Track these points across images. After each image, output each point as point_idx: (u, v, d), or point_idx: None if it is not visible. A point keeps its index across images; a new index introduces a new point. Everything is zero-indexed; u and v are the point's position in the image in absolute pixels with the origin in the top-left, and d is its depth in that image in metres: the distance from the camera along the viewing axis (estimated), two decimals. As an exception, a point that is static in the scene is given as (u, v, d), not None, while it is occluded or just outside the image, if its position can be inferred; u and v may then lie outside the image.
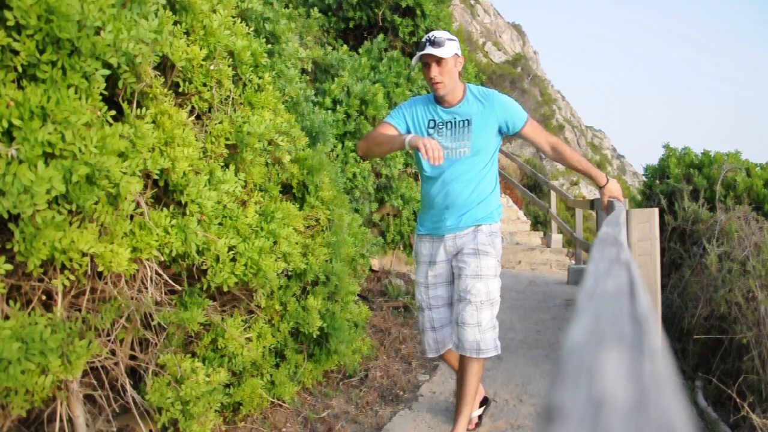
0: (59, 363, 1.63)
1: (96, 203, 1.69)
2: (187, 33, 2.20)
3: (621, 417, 0.30)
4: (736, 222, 3.63)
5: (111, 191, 1.70)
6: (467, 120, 2.30)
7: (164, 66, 2.12)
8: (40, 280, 1.73)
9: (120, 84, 1.83)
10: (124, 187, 1.69)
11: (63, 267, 1.72)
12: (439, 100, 2.35)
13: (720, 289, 3.21)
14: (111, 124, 1.74)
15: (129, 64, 1.79)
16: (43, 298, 1.77)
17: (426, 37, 2.27)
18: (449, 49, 2.24)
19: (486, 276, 2.26)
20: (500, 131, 2.34)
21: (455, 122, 2.31)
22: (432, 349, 2.45)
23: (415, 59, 2.26)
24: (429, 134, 2.32)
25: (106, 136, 1.64)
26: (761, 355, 2.82)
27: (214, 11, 2.31)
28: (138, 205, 1.89)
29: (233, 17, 2.47)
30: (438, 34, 2.26)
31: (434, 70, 2.24)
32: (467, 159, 2.29)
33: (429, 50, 2.21)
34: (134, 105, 1.94)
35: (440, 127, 2.33)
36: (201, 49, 2.14)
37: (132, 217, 1.88)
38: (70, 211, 1.66)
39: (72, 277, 1.72)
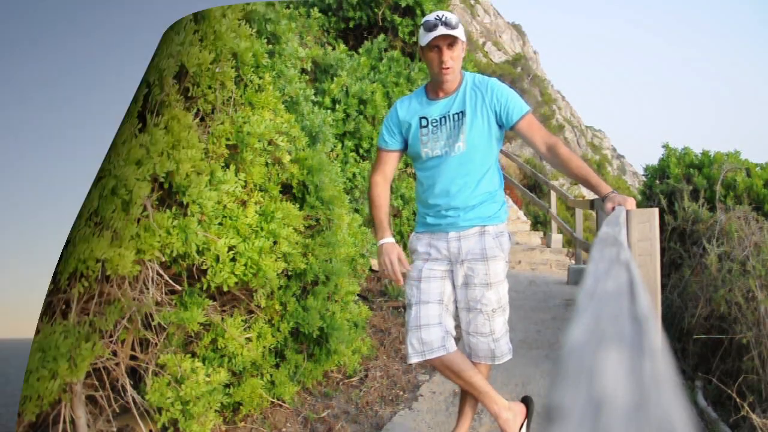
0: (66, 366, 1.64)
1: (113, 211, 1.70)
2: (201, 39, 2.20)
3: (621, 417, 0.30)
4: (736, 222, 3.63)
5: (125, 198, 1.71)
6: (461, 112, 2.13)
7: (179, 73, 2.12)
8: (64, 291, 1.75)
9: (150, 98, 1.84)
10: (136, 193, 1.70)
11: (81, 275, 1.73)
12: (430, 94, 2.19)
13: (720, 289, 3.21)
14: (136, 136, 1.75)
15: (159, 79, 1.80)
16: (63, 307, 1.79)
17: (434, 16, 2.05)
18: (462, 30, 2.07)
19: (495, 283, 2.16)
20: (498, 124, 2.16)
21: (448, 116, 2.14)
22: (416, 352, 2.12)
23: (425, 39, 2.05)
24: (422, 136, 2.18)
25: (131, 148, 1.65)
26: (761, 355, 2.82)
27: (224, 15, 2.31)
28: (145, 209, 1.89)
29: (239, 20, 2.47)
30: (447, 14, 2.05)
31: (446, 54, 2.05)
32: (464, 155, 2.13)
33: (444, 31, 2.02)
34: (154, 114, 1.94)
35: (433, 125, 2.16)
36: (210, 54, 2.14)
37: (138, 220, 1.88)
38: (96, 223, 1.68)
39: (86, 284, 1.73)
